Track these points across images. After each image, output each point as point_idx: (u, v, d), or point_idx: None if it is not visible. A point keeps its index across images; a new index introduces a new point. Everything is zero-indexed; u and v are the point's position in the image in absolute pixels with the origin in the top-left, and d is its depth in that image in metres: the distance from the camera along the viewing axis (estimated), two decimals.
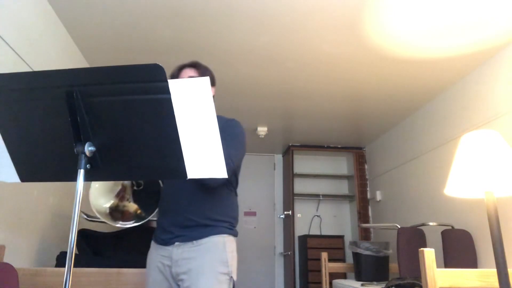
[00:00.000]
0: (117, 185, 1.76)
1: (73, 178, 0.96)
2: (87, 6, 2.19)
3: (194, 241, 1.41)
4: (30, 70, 1.95)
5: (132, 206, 1.76)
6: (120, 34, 2.46)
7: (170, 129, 0.94)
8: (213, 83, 1.68)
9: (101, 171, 1.01)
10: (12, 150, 1.02)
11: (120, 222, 1.73)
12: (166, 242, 1.45)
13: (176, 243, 1.42)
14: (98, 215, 1.67)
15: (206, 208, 1.46)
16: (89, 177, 0.99)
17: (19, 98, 0.97)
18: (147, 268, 1.50)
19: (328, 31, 2.40)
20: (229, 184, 1.55)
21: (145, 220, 1.75)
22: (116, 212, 1.74)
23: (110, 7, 2.20)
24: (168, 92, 0.91)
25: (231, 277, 1.41)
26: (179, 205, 1.48)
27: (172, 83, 0.90)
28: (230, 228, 1.49)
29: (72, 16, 2.27)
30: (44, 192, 2.22)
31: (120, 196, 1.75)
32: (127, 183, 1.73)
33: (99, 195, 1.72)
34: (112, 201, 1.74)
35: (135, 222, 1.75)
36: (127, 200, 1.76)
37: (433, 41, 2.47)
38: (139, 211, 1.75)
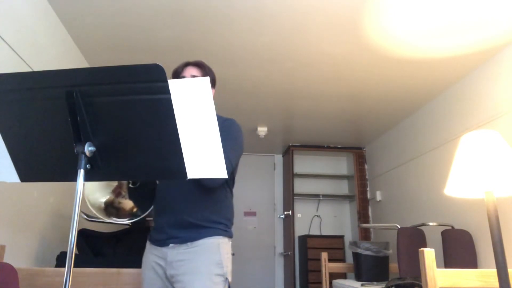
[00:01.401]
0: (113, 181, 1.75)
1: (73, 178, 0.96)
2: (87, 6, 2.19)
3: (189, 243, 1.41)
4: (30, 70, 1.95)
5: (127, 204, 1.76)
6: (120, 34, 2.46)
7: (170, 129, 0.94)
8: (213, 85, 1.68)
9: (101, 171, 1.01)
10: (12, 150, 1.02)
11: (114, 218, 1.72)
12: (160, 243, 1.46)
13: (171, 245, 1.43)
14: (92, 209, 1.66)
15: (202, 209, 1.46)
16: (89, 177, 0.99)
17: (19, 98, 0.97)
18: (143, 268, 1.51)
19: (328, 31, 2.40)
20: (226, 185, 1.54)
21: (138, 218, 1.75)
22: (111, 208, 1.74)
23: (110, 7, 2.20)
24: (168, 92, 0.91)
25: (226, 278, 1.41)
26: (174, 205, 1.47)
27: (172, 83, 0.90)
28: (225, 230, 1.48)
29: (72, 16, 2.27)
30: (44, 192, 2.22)
31: (117, 192, 1.75)
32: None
33: (95, 189, 1.72)
34: (108, 196, 1.73)
35: (129, 220, 1.75)
36: (123, 196, 1.75)
37: (433, 41, 2.47)
38: (134, 209, 1.75)
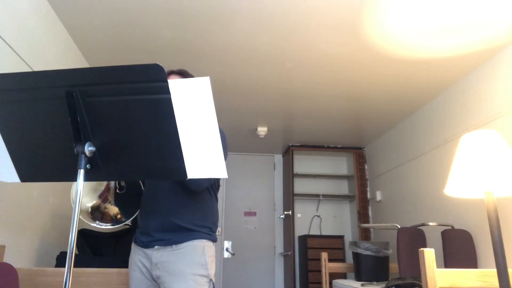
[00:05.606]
0: (100, 185, 1.78)
1: (73, 178, 0.96)
2: (87, 6, 2.19)
3: (174, 245, 1.43)
4: (30, 70, 1.95)
5: (113, 209, 1.79)
6: (120, 34, 2.46)
7: (170, 129, 0.94)
8: None
9: (101, 171, 1.01)
10: (12, 150, 1.02)
11: (98, 222, 1.76)
12: (145, 244, 1.47)
13: (156, 247, 1.44)
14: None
15: (189, 212, 1.48)
16: (89, 177, 0.99)
17: (19, 98, 0.97)
18: (129, 269, 1.52)
19: (328, 31, 2.40)
20: (211, 189, 1.57)
21: (122, 224, 1.79)
22: (96, 212, 1.77)
23: (110, 7, 2.20)
24: (168, 92, 0.91)
25: (211, 279, 1.44)
26: (161, 208, 1.49)
27: (172, 83, 0.90)
28: (209, 233, 1.51)
29: (72, 16, 2.27)
30: (44, 192, 2.22)
31: (103, 197, 1.78)
32: (111, 185, 1.75)
33: (83, 194, 1.75)
34: (94, 201, 1.76)
35: (112, 225, 1.79)
36: (109, 202, 1.79)
37: (433, 41, 2.47)
38: (119, 216, 1.79)
